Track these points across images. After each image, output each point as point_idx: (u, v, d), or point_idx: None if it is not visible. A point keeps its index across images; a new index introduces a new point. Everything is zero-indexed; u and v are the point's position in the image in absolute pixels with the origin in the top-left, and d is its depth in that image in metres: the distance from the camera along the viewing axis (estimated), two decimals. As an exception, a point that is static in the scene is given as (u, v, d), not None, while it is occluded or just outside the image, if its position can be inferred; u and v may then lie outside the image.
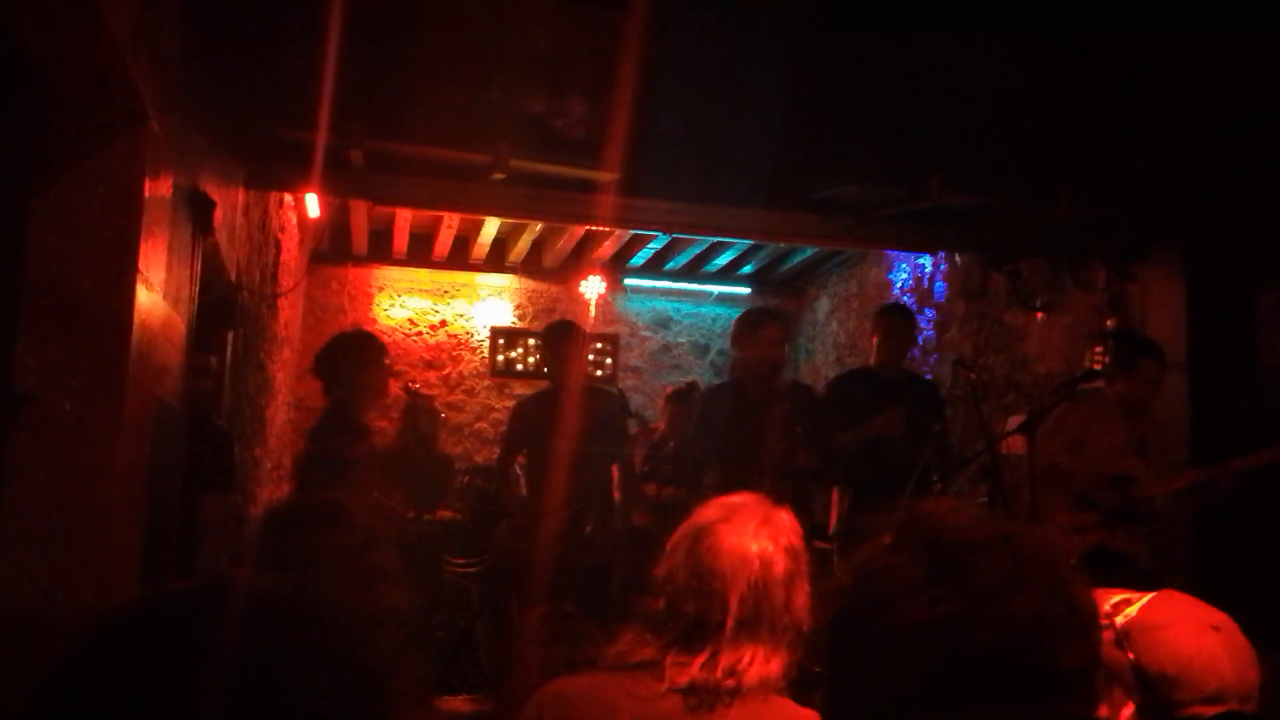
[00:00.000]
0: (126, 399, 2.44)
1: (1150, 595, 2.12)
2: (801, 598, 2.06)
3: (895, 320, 6.00)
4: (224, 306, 4.48)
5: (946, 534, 1.29)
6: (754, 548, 2.03)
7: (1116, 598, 2.16)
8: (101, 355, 2.41)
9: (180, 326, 3.24)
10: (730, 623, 1.97)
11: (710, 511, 2.11)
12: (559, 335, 5.59)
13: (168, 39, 2.86)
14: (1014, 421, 6.15)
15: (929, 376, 7.37)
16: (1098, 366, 6.08)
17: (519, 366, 9.84)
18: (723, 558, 2.02)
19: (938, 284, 8.12)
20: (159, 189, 2.71)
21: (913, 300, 8.44)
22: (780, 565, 2.05)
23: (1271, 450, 4.67)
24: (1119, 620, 2.09)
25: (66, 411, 2.38)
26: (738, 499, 2.14)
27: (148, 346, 2.66)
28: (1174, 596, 2.10)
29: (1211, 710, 1.92)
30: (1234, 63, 5.15)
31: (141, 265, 2.52)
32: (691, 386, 7.17)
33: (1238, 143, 5.36)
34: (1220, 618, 2.02)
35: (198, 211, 3.37)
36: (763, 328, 5.35)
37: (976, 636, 1.19)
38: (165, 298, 2.90)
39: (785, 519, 2.13)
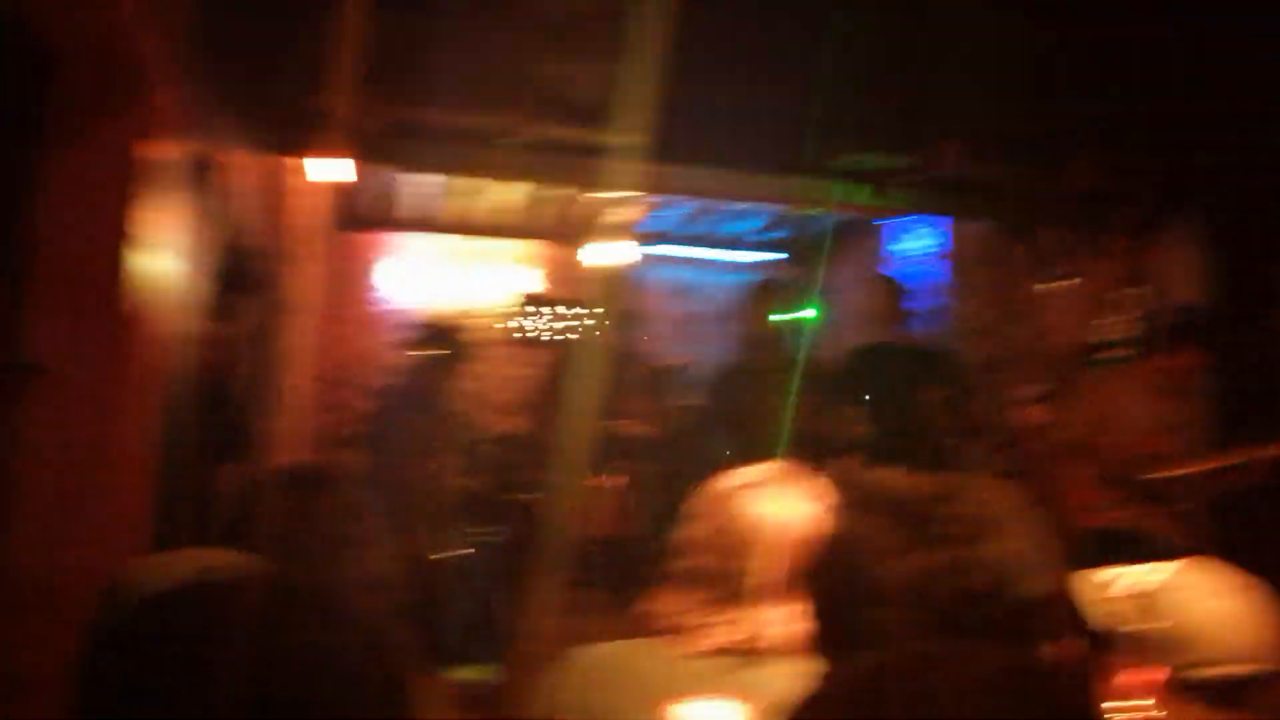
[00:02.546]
0: (135, 368, 2.44)
1: (1177, 563, 2.12)
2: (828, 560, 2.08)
3: (881, 292, 5.91)
4: (240, 275, 4.47)
5: (901, 492, 1.32)
6: (778, 510, 2.05)
7: (1146, 569, 2.16)
8: (110, 325, 2.41)
9: (192, 296, 3.24)
10: (755, 584, 1.99)
11: (734, 477, 2.13)
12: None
13: (177, 7, 2.85)
14: (1032, 392, 6.12)
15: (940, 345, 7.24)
16: (1117, 336, 6.04)
17: (540, 334, 9.82)
18: (747, 520, 2.05)
19: (958, 252, 8.05)
20: (168, 158, 2.70)
21: (935, 268, 8.37)
22: (804, 528, 2.05)
23: None
24: (1140, 587, 2.09)
25: (75, 381, 2.38)
26: (762, 466, 2.15)
27: (157, 316, 2.66)
28: (1201, 563, 2.10)
29: (1243, 669, 1.92)
30: (1256, 31, 5.07)
31: (149, 234, 2.51)
32: (683, 367, 7.11)
33: (1259, 113, 5.28)
34: (1247, 583, 2.01)
35: (210, 180, 3.37)
36: (769, 299, 5.31)
37: (947, 580, 1.21)
38: (176, 267, 2.90)
39: (811, 485, 2.13)
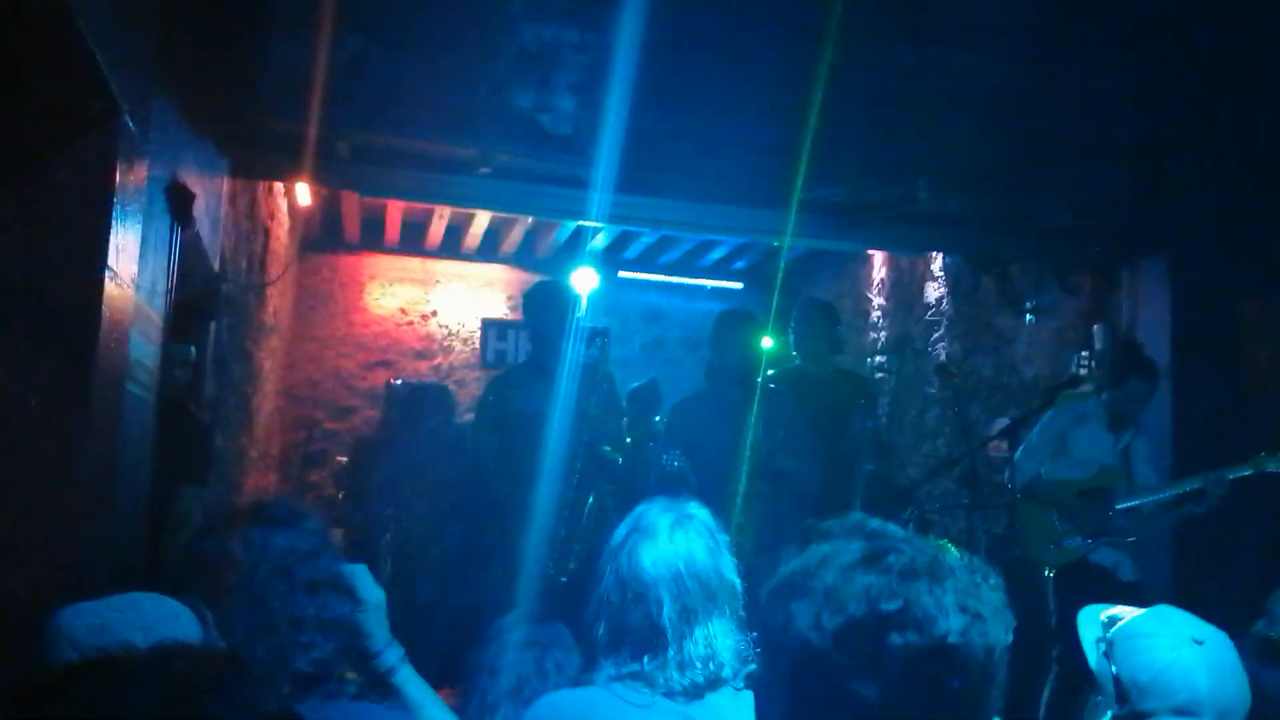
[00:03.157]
0: (94, 394, 2.43)
1: (1144, 610, 2.14)
2: (729, 573, 2.18)
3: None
4: (205, 297, 4.46)
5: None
6: (669, 541, 2.13)
7: (1113, 612, 2.19)
8: (69, 350, 2.40)
9: (155, 319, 3.23)
10: (674, 618, 2.06)
11: (621, 529, 2.22)
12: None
13: (144, 29, 2.85)
14: (997, 426, 6.17)
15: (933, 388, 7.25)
16: (1083, 372, 6.11)
17: (511, 357, 9.83)
18: (644, 562, 2.11)
19: (927, 284, 8.12)
20: (132, 182, 2.69)
21: (904, 300, 8.44)
22: (699, 546, 2.15)
23: (1252, 462, 4.69)
24: (1109, 633, 2.12)
25: (33, 407, 2.37)
26: (643, 507, 2.24)
27: (118, 340, 2.65)
28: (1165, 611, 2.12)
29: None
30: (1222, 72, 5.15)
31: (111, 260, 2.50)
32: (651, 383, 7.10)
33: (1225, 154, 5.36)
34: (1207, 633, 2.03)
35: (176, 203, 3.36)
36: (739, 329, 5.30)
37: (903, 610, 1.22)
38: (138, 291, 2.89)
39: (692, 506, 2.24)
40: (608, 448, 4.95)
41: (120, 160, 2.54)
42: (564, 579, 4.69)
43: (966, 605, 1.24)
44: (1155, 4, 4.98)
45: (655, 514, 2.21)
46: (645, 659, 2.05)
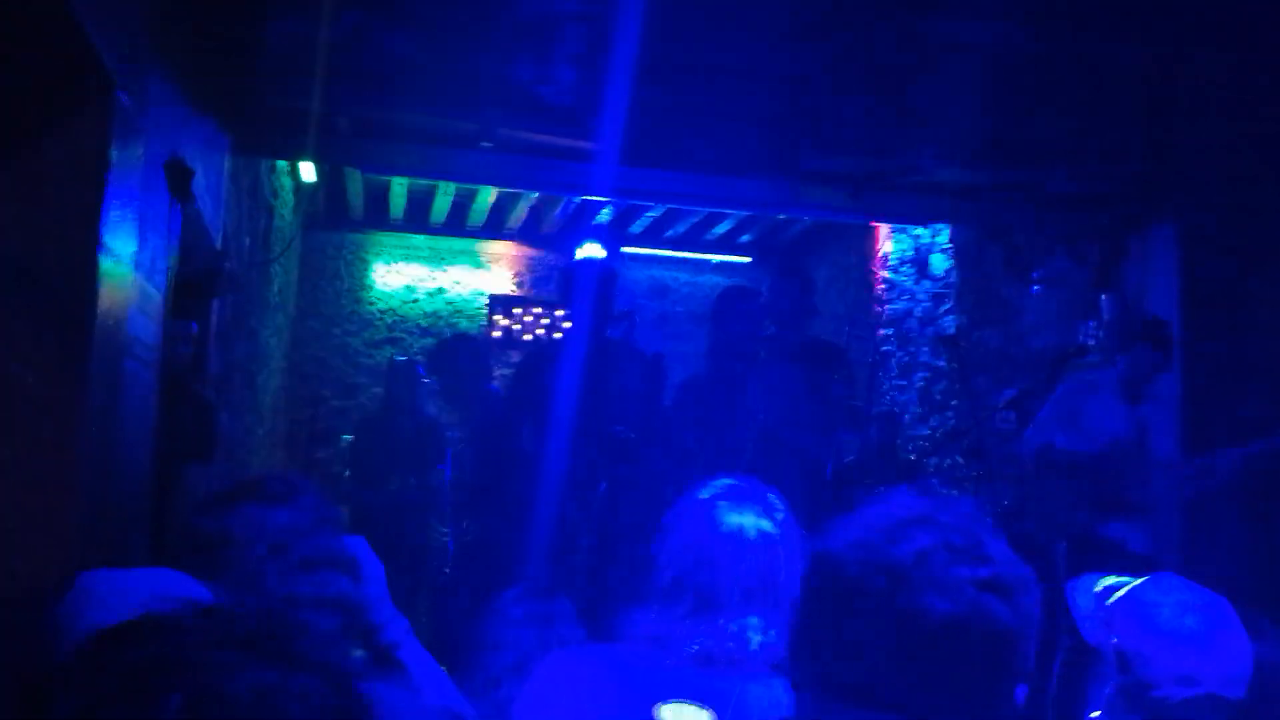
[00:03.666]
0: (92, 372, 2.42)
1: (1144, 578, 2.13)
2: (796, 571, 2.15)
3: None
4: (207, 274, 4.45)
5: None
6: (753, 523, 2.17)
7: (1110, 580, 2.18)
8: (66, 329, 2.39)
9: (155, 296, 3.22)
10: (735, 594, 2.10)
11: (709, 490, 2.25)
12: None
13: (140, 5, 2.82)
14: (1005, 399, 6.15)
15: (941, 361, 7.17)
16: (1091, 342, 6.07)
17: (516, 334, 9.83)
18: (726, 533, 2.15)
19: (934, 255, 8.08)
20: (128, 159, 2.68)
21: (911, 271, 8.40)
22: (778, 539, 2.18)
23: (1267, 442, 4.65)
24: (1108, 603, 2.11)
25: (30, 385, 2.36)
26: (733, 480, 2.28)
27: (115, 318, 2.64)
28: (1166, 579, 2.11)
29: (1185, 691, 1.92)
30: (1230, 38, 5.09)
31: (107, 237, 2.49)
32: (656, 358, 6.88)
33: (1232, 122, 5.31)
34: (1209, 600, 2.02)
35: (174, 179, 3.34)
36: (741, 305, 5.29)
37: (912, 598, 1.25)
38: (137, 268, 2.88)
39: (775, 498, 2.27)
40: (621, 428, 4.94)
41: (116, 137, 2.52)
42: (574, 555, 4.70)
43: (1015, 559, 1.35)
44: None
45: (744, 490, 2.25)
46: (693, 619, 2.09)
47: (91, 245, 2.43)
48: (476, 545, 5.87)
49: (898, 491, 1.53)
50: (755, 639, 2.07)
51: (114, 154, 2.51)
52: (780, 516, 2.22)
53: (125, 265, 2.71)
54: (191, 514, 1.96)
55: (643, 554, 2.27)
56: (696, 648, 2.05)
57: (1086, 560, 4.85)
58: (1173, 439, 5.32)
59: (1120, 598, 2.07)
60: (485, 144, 4.92)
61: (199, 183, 3.74)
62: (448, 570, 6.68)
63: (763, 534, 2.15)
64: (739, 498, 2.22)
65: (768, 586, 2.12)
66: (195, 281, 4.29)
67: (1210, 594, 2.04)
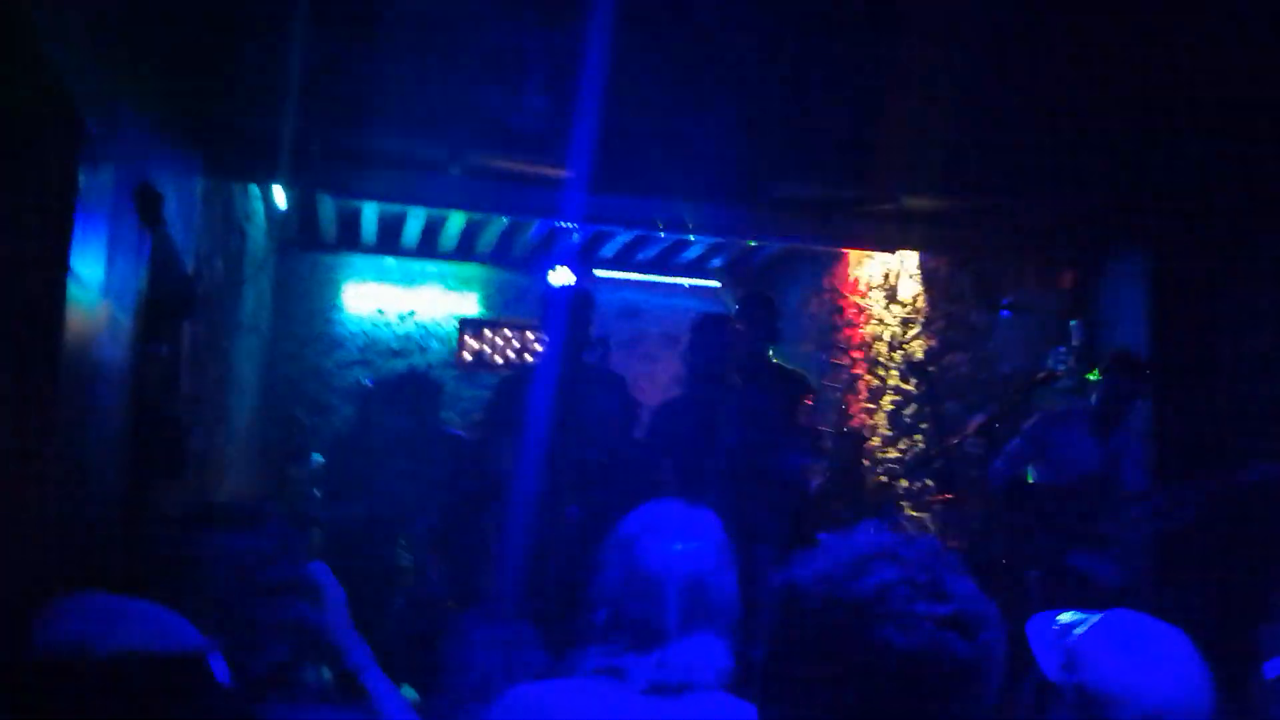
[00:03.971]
0: (59, 400, 2.42)
1: (1100, 615, 2.11)
2: (731, 588, 2.20)
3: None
4: (178, 298, 4.44)
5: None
6: (681, 547, 2.15)
7: (1068, 619, 2.16)
8: (32, 358, 2.39)
9: (124, 321, 3.22)
10: (673, 622, 2.08)
11: (633, 521, 2.23)
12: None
13: (107, 31, 2.84)
14: (974, 424, 6.19)
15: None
16: (1061, 368, 6.10)
17: (487, 357, 9.84)
18: (654, 561, 2.14)
19: (904, 280, 8.14)
20: (97, 186, 2.69)
21: (881, 295, 8.46)
22: (708, 560, 2.17)
23: (1240, 471, 4.66)
24: (1068, 641, 2.09)
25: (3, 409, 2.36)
26: (656, 507, 2.26)
27: (83, 346, 2.65)
28: (1123, 615, 2.10)
29: None
30: (1199, 69, 5.17)
31: (75, 265, 2.50)
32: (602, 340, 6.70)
33: (1202, 149, 5.38)
34: (1170, 636, 2.03)
35: (143, 205, 3.35)
36: (715, 333, 5.30)
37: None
38: (105, 294, 2.88)
39: (705, 515, 2.26)
40: (592, 452, 4.95)
41: (84, 164, 2.53)
42: (544, 580, 4.69)
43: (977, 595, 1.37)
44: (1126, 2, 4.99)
45: (671, 514, 2.24)
46: (635, 653, 2.08)
47: (60, 273, 2.43)
48: (446, 567, 5.85)
49: (862, 526, 1.56)
50: (704, 666, 2.07)
51: (82, 181, 2.52)
52: (712, 538, 2.21)
53: (94, 292, 2.72)
54: (157, 537, 1.97)
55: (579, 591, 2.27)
56: (648, 680, 2.05)
57: (1054, 592, 4.87)
58: (1143, 469, 5.34)
59: (1080, 635, 2.06)
60: (455, 170, 4.94)
61: (169, 205, 3.74)
62: (420, 591, 6.64)
63: (693, 559, 2.14)
64: (667, 524, 2.20)
65: (707, 612, 2.12)
66: (166, 304, 4.29)
67: (1171, 629, 2.03)
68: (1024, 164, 5.54)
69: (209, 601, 1.84)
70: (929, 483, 7.14)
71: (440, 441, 6.55)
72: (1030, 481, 5.23)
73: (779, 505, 5.03)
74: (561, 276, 8.06)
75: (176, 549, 1.90)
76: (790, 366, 5.94)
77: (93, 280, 2.71)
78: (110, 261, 2.92)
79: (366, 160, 5.11)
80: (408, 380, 7.24)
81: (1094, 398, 5.23)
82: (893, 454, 7.97)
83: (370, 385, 7.37)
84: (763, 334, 5.67)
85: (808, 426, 5.69)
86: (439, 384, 7.45)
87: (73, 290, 2.49)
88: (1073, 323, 6.29)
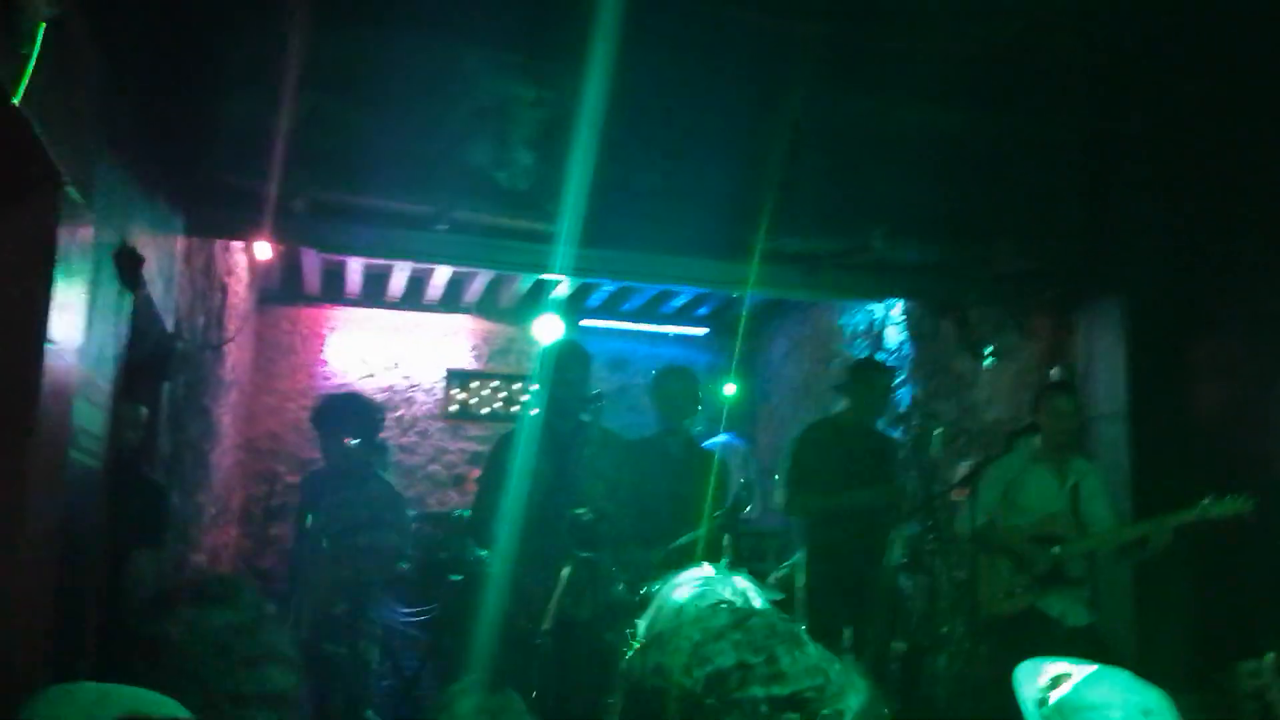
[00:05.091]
0: (33, 470, 2.38)
1: (1087, 672, 2.11)
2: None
3: (874, 375, 5.92)
4: (158, 358, 4.42)
5: None
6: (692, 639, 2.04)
7: (1055, 671, 2.14)
8: (7, 426, 2.35)
9: (102, 385, 3.19)
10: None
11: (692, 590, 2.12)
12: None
13: (85, 93, 2.82)
14: (960, 471, 6.18)
15: (897, 433, 7.18)
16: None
17: (473, 408, 9.80)
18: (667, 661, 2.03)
19: (888, 328, 8.15)
20: (75, 250, 2.66)
21: (866, 344, 8.47)
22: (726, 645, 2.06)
23: (1197, 509, 4.67)
24: (1053, 696, 2.08)
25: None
26: (689, 574, 2.17)
27: (60, 411, 2.61)
28: (1109, 675, 2.09)
29: None
30: (1169, 121, 5.22)
31: (54, 330, 2.47)
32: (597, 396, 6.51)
33: (1173, 198, 5.43)
34: (1154, 699, 2.01)
35: (124, 267, 3.33)
36: (673, 384, 5.26)
37: None
38: (83, 359, 2.85)
39: (740, 584, 2.17)
40: (581, 510, 4.85)
41: (62, 228, 2.51)
42: (537, 642, 4.60)
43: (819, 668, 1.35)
44: (1103, 56, 5.05)
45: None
46: None
47: (37, 339, 2.40)
48: (438, 630, 5.78)
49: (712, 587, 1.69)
50: None
51: (60, 245, 2.50)
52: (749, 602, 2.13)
53: (71, 357, 2.69)
54: (132, 619, 1.94)
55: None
56: None
57: (1018, 638, 4.86)
58: (1121, 509, 5.34)
59: (1067, 696, 2.05)
60: (442, 226, 4.93)
61: (150, 265, 3.72)
62: (406, 664, 6.54)
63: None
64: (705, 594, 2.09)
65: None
66: (145, 365, 4.26)
67: (1154, 690, 2.03)
68: (1002, 215, 5.58)
69: (190, 679, 1.80)
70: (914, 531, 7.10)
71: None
72: (1000, 526, 5.21)
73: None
74: (549, 327, 8.07)
75: (156, 627, 1.86)
76: (885, 433, 5.99)
77: (70, 346, 2.68)
78: (89, 326, 2.90)
79: (352, 216, 5.09)
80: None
81: (1039, 435, 5.25)
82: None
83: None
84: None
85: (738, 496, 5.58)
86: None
87: (50, 357, 2.46)
88: (1053, 370, 6.30)
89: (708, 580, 2.19)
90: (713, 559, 2.37)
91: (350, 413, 5.54)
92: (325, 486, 5.61)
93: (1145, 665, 2.23)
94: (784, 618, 1.44)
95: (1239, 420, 5.34)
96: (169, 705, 1.68)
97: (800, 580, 5.88)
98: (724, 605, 1.44)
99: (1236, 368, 5.40)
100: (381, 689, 6.18)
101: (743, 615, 1.43)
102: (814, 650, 1.38)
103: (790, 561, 7.42)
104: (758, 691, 1.30)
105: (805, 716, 1.30)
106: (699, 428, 5.73)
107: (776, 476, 6.05)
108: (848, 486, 5.57)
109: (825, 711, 1.31)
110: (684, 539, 4.65)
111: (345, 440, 5.51)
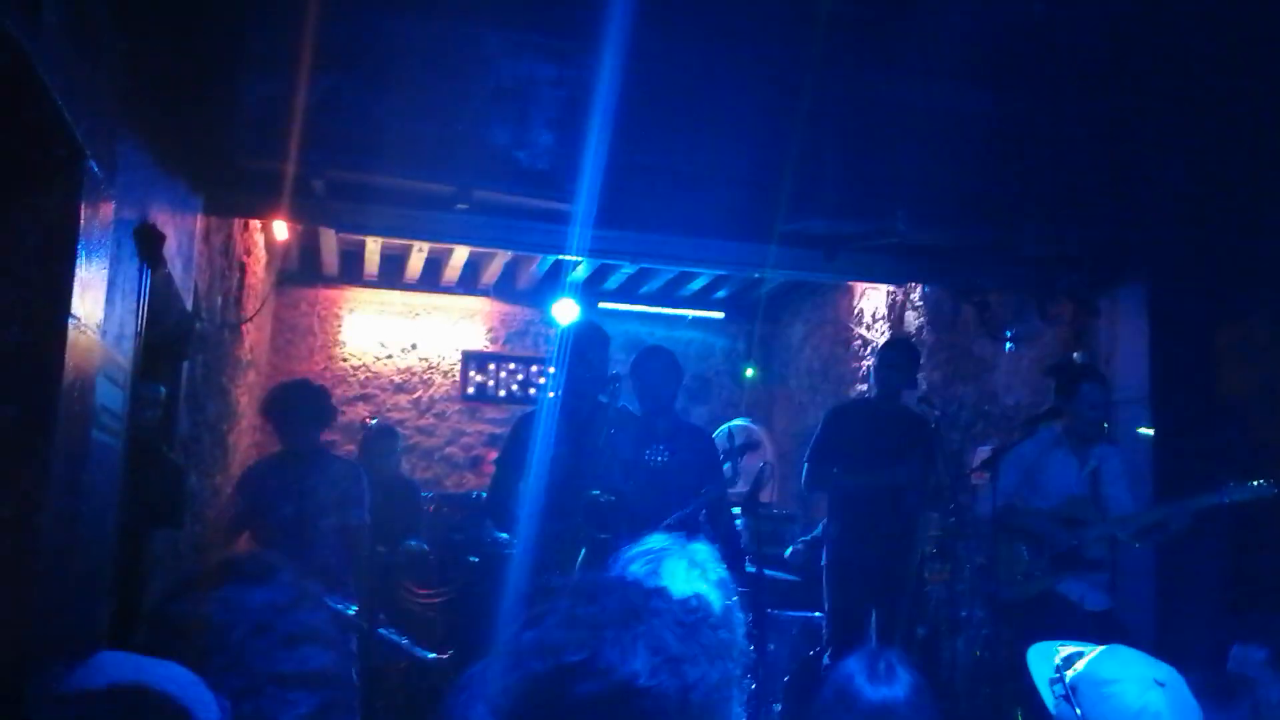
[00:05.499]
0: (56, 447, 2.38)
1: (1098, 650, 2.14)
2: (741, 627, 2.11)
3: (896, 355, 5.99)
4: (177, 337, 4.41)
5: None
6: (688, 590, 2.05)
7: (1068, 651, 2.17)
8: (31, 403, 2.35)
9: (123, 363, 3.18)
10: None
11: (638, 564, 2.15)
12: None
13: (108, 73, 2.81)
14: (980, 455, 6.15)
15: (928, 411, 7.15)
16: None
17: (491, 390, 9.79)
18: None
19: (908, 312, 8.11)
20: (98, 226, 2.65)
21: (885, 327, 8.43)
22: (715, 601, 2.08)
23: (1219, 492, 4.64)
24: (1068, 674, 2.11)
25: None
26: (653, 544, 2.18)
27: (82, 389, 2.60)
28: (1121, 652, 2.13)
29: None
30: (1196, 103, 5.17)
31: (76, 306, 2.46)
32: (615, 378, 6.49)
33: (1199, 181, 5.37)
34: (1165, 673, 2.04)
35: (145, 245, 3.32)
36: (651, 363, 5.29)
37: None
38: (104, 336, 2.84)
39: (704, 550, 2.19)
40: (597, 491, 4.85)
41: (85, 205, 2.50)
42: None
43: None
44: (1128, 37, 4.99)
45: (659, 552, 2.17)
46: None
47: (60, 316, 2.39)
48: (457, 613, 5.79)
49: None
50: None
51: (83, 223, 2.49)
52: (715, 573, 2.17)
53: (93, 334, 2.68)
54: (167, 601, 1.92)
55: None
56: None
57: (1037, 621, 4.84)
58: (1142, 493, 5.31)
59: (1080, 672, 2.09)
60: (461, 206, 4.90)
61: (170, 244, 3.71)
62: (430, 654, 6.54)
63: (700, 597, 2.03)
64: (669, 563, 2.14)
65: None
66: (165, 344, 4.26)
67: (1166, 666, 2.06)
68: (1025, 198, 5.53)
69: (231, 659, 1.78)
70: (934, 516, 7.07)
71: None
72: (1021, 509, 5.19)
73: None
74: (565, 308, 8.05)
75: (192, 609, 1.84)
76: (915, 411, 5.98)
77: (92, 322, 2.67)
78: (110, 303, 2.89)
79: (371, 196, 5.07)
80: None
81: (1065, 421, 5.21)
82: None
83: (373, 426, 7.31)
84: (898, 379, 5.85)
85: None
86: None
87: (73, 333, 2.45)
88: (1075, 355, 6.26)
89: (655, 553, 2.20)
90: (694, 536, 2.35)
91: (302, 401, 5.47)
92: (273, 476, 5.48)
93: (1165, 650, 2.23)
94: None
95: (1262, 405, 5.30)
96: (179, 679, 1.65)
97: (823, 559, 5.90)
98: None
99: (1261, 352, 5.36)
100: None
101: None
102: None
103: (804, 538, 7.42)
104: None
105: (642, 710, 1.27)
106: (679, 404, 5.73)
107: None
108: (871, 464, 5.57)
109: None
110: (672, 517, 4.66)
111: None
